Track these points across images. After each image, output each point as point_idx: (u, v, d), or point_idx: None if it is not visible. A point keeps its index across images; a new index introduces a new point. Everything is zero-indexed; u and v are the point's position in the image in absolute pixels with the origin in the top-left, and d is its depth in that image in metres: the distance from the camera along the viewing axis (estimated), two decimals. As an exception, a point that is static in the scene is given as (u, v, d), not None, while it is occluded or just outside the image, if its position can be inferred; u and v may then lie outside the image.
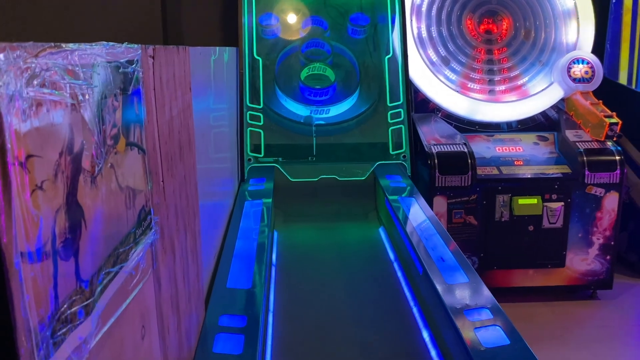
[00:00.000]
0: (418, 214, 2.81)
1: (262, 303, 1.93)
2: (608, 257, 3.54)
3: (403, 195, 3.06)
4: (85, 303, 0.75)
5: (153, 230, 1.12)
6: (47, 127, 0.66)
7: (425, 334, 2.07)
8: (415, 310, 2.24)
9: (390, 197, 3.01)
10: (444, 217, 3.41)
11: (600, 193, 3.44)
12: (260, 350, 1.65)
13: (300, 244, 2.96)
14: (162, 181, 1.25)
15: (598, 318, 3.50)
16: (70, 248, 0.72)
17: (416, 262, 2.34)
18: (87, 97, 0.77)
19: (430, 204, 3.29)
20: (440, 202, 3.41)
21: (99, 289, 0.80)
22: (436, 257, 2.28)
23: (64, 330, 0.69)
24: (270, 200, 2.97)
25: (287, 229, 3.12)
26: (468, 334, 1.71)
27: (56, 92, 0.68)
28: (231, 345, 1.64)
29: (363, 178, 3.40)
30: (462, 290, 1.99)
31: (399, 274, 2.59)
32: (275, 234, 3.01)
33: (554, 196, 3.44)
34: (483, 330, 1.73)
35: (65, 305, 0.70)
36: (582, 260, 3.55)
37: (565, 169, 3.51)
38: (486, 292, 1.98)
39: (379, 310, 2.29)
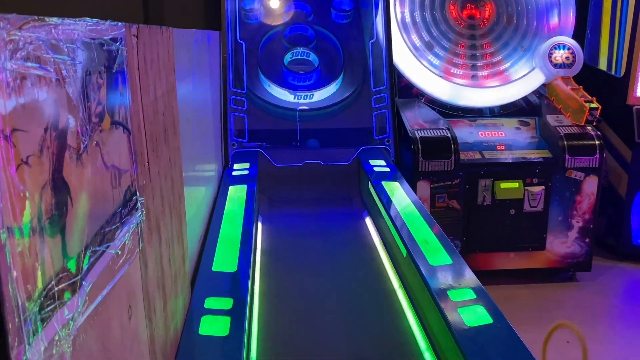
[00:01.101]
0: (402, 198, 2.83)
1: (248, 286, 1.94)
2: (587, 240, 3.61)
3: (387, 180, 3.08)
4: (72, 281, 0.75)
5: (139, 211, 1.11)
6: (31, 102, 0.65)
7: (410, 315, 2.10)
8: (399, 292, 2.27)
9: (374, 182, 3.02)
10: (427, 202, 3.44)
11: (580, 177, 3.50)
12: (246, 332, 1.66)
13: (285, 229, 2.97)
14: (148, 162, 1.24)
15: (577, 299, 3.58)
16: (57, 225, 0.71)
17: (400, 245, 2.36)
18: (71, 72, 0.76)
19: (414, 188, 3.31)
20: (424, 186, 3.44)
21: (85, 267, 0.80)
22: (420, 240, 2.31)
23: (51, 307, 0.69)
24: (254, 185, 2.96)
25: (271, 213, 3.12)
26: (451, 313, 1.74)
27: (40, 67, 0.67)
28: (217, 327, 1.64)
29: (347, 163, 3.41)
30: (446, 272, 2.02)
31: (383, 257, 2.61)
32: (260, 218, 3.01)
33: (535, 180, 3.49)
34: (466, 310, 1.76)
35: (52, 282, 0.69)
36: (562, 243, 3.61)
37: (546, 154, 3.56)
38: (469, 273, 2.01)
39: (363, 293, 2.31)
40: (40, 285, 0.66)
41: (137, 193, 1.11)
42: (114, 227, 0.95)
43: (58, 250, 0.71)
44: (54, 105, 0.71)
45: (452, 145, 3.41)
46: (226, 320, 1.67)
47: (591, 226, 3.60)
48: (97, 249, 0.85)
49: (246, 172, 3.14)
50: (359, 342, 1.96)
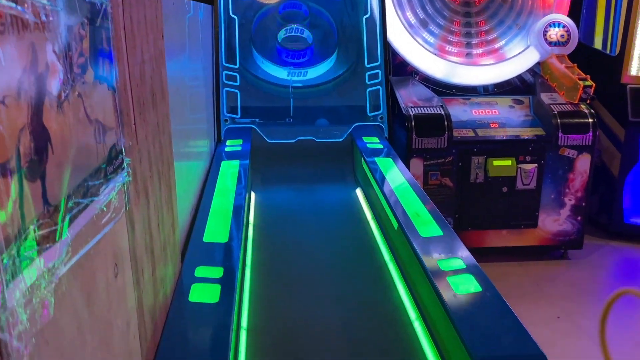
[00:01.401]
0: (395, 174, 2.83)
1: (239, 256, 1.94)
2: (579, 218, 3.63)
3: (380, 157, 3.08)
4: (54, 228, 0.75)
5: (125, 170, 1.10)
6: (7, 41, 0.64)
7: (400, 286, 2.11)
8: (390, 264, 2.28)
9: (368, 159, 3.02)
10: (420, 179, 3.44)
11: (573, 155, 3.50)
12: (236, 300, 1.66)
13: (278, 205, 2.97)
14: (134, 124, 1.23)
15: (568, 277, 3.61)
16: (37, 170, 0.70)
17: (391, 218, 2.36)
18: (50, 18, 0.75)
19: (407, 166, 3.31)
20: (417, 164, 3.44)
21: (68, 216, 0.80)
22: (411, 213, 2.31)
23: (31, 250, 0.68)
24: (247, 161, 2.96)
25: (264, 190, 3.12)
26: (441, 282, 1.75)
27: (17, 7, 0.66)
28: (208, 294, 1.64)
29: (340, 140, 3.40)
30: (436, 243, 2.02)
31: (375, 231, 2.62)
32: (253, 194, 3.01)
33: (528, 158, 3.49)
34: (456, 278, 1.76)
35: (32, 227, 0.69)
36: (554, 221, 3.63)
37: (540, 132, 3.56)
38: (459, 244, 2.01)
39: (354, 265, 2.32)
40: (19, 226, 0.65)
41: (123, 153, 1.11)
42: (98, 182, 0.94)
43: (38, 195, 0.71)
44: (31, 48, 0.70)
45: (446, 123, 3.41)
46: (216, 288, 1.67)
47: (583, 204, 3.61)
48: (80, 201, 0.85)
49: (239, 148, 3.14)
50: (349, 312, 1.97)
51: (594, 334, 3.02)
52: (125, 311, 1.11)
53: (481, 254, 3.44)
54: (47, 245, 0.72)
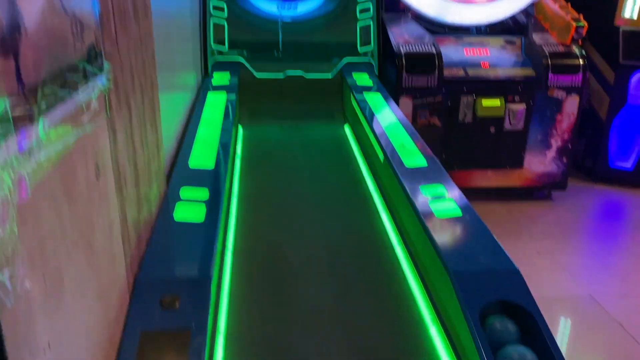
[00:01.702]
0: (384, 110, 2.82)
1: (225, 180, 1.95)
2: (564, 160, 3.67)
3: (370, 93, 3.06)
4: (29, 109, 0.75)
5: (105, 74, 1.09)
6: None
7: (384, 215, 2.14)
8: (374, 195, 2.30)
9: (357, 95, 3.01)
10: (409, 119, 3.43)
11: (561, 96, 3.50)
12: (221, 220, 1.69)
13: (266, 139, 2.96)
14: (115, 31, 1.21)
15: (551, 217, 3.68)
16: (9, 47, 0.70)
17: (378, 150, 2.38)
18: None
19: (396, 104, 3.30)
20: (406, 102, 3.42)
21: (44, 102, 0.79)
22: (397, 145, 2.32)
23: (6, 126, 0.68)
24: (234, 95, 2.93)
25: (252, 125, 3.10)
26: (423, 207, 1.78)
27: None
28: (193, 214, 1.66)
29: (330, 76, 3.37)
30: (420, 173, 2.04)
31: (362, 166, 2.63)
32: (240, 129, 3.00)
33: (517, 98, 3.49)
34: (438, 204, 1.80)
35: (6, 105, 0.69)
36: (539, 163, 3.66)
37: (530, 72, 3.54)
38: (444, 173, 2.04)
39: (339, 196, 2.34)
40: (-8, 99, 0.65)
41: (103, 56, 1.09)
42: (76, 77, 0.93)
43: (11, 71, 0.70)
44: None
45: (437, 62, 3.38)
46: (201, 209, 1.69)
47: (569, 146, 3.64)
48: (58, 90, 0.84)
49: (226, 82, 3.10)
50: (333, 237, 2.00)
51: (572, 269, 3.12)
52: (108, 214, 1.13)
53: (466, 194, 3.48)
54: (22, 124, 0.72)
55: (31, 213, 0.76)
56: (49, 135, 0.81)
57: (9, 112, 0.69)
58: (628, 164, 4.03)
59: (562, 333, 2.70)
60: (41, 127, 0.78)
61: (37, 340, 0.77)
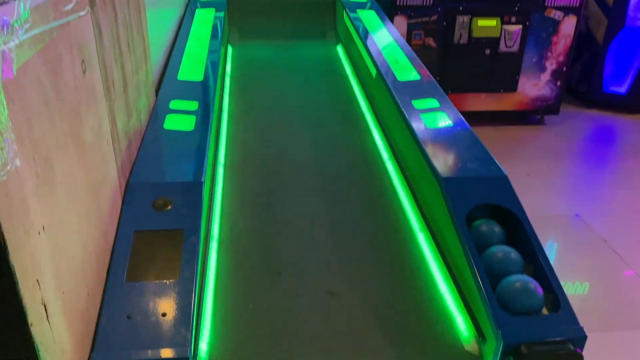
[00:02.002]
0: (378, 28, 2.76)
1: (215, 92, 1.93)
2: (558, 83, 3.64)
3: (364, 11, 2.98)
4: (9, -16, 0.72)
5: (86, -35, 1.05)
6: None
7: (375, 131, 2.14)
8: (367, 113, 2.29)
9: (351, 14, 2.93)
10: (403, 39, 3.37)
11: (558, 17, 3.43)
12: (212, 130, 1.68)
13: (256, 59, 2.91)
14: None
15: (542, 140, 3.70)
16: None
17: (370, 66, 2.35)
18: None
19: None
20: (401, 22, 3.35)
21: (23, -20, 0.77)
22: (391, 60, 2.29)
23: (-15, -3, 0.67)
24: (222, 13, 2.85)
25: (242, 44, 3.04)
26: (414, 118, 1.78)
27: None
28: (183, 123, 1.66)
29: (322, -6, 3.27)
30: (413, 86, 2.03)
31: (355, 85, 2.60)
32: (230, 48, 2.94)
33: (513, 19, 3.41)
34: (429, 115, 1.79)
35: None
36: (533, 86, 3.64)
37: (528, -9, 3.45)
38: (437, 87, 2.02)
39: (331, 114, 2.33)
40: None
41: (84, -55, 1.05)
42: (56, -39, 0.90)
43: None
44: None
45: (432, -21, 3.28)
46: (191, 119, 1.69)
47: (564, 69, 3.61)
48: (36, -30, 0.82)
49: (215, -2, 3.00)
50: (324, 152, 2.01)
51: (561, 190, 3.17)
52: (97, 112, 1.12)
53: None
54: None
55: (17, 93, 0.75)
56: (31, 15, 0.79)
57: (-13, -18, 0.67)
58: (622, 89, 4.01)
59: (549, 249, 2.78)
60: (22, 5, 0.76)
61: (32, 222, 0.79)
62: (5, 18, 0.71)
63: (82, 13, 1.04)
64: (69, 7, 0.96)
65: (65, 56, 0.95)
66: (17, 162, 0.74)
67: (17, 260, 0.73)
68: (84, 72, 1.04)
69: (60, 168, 0.91)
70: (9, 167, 0.71)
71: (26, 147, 0.78)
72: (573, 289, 2.53)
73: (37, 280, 0.80)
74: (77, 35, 1.01)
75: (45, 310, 0.82)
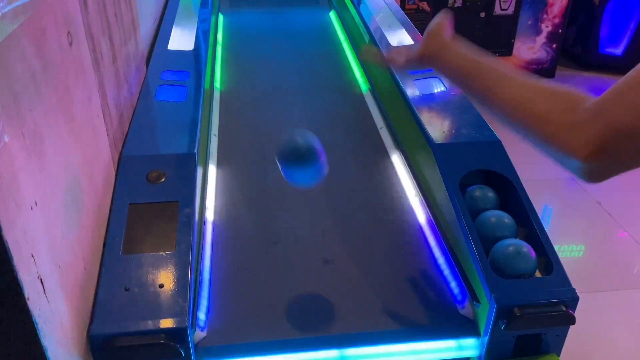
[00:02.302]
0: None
1: (206, 63, 1.91)
2: (554, 46, 3.61)
3: (356, -24, 2.93)
4: (-13, -46, 0.70)
5: None
6: None
7: (369, 99, 2.12)
8: (360, 80, 2.27)
9: (342, -22, 2.88)
10: (397, 3, 3.31)
11: (554, -23, 3.38)
12: (202, 100, 1.67)
13: (248, 27, 2.87)
14: None
15: (537, 105, 3.68)
16: None
17: (363, 32, 2.32)
18: None
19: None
20: (394, -14, 3.29)
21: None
22: (385, 27, 2.26)
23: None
24: (213, -21, 2.79)
25: (233, 12, 2.99)
26: (407, 84, 1.76)
27: None
28: (175, 94, 1.64)
29: (314, -41, 3.20)
30: (406, 50, 2.00)
31: (347, 51, 2.57)
32: (221, 16, 2.89)
33: (509, -20, 3.36)
34: (423, 81, 1.78)
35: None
36: (529, 49, 3.61)
37: (523, -49, 3.39)
38: (429, 52, 2.00)
39: (324, 81, 2.31)
40: None
41: None
42: None
43: None
44: None
45: (426, -59, 3.21)
46: (183, 90, 1.67)
47: (560, 31, 3.57)
48: (15, -60, 0.79)
49: (204, -35, 2.93)
50: (318, 120, 2.00)
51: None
52: (85, 86, 1.11)
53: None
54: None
55: (1, 68, 0.74)
56: (11, -13, 0.77)
57: (-36, -47, 0.65)
58: (618, 50, 3.97)
59: (544, 214, 2.80)
60: (2, -24, 0.74)
61: (23, 196, 0.79)
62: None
63: (66, -17, 1.01)
64: (52, -23, 0.94)
65: (50, 28, 0.93)
66: (6, 138, 0.74)
67: (10, 235, 0.73)
68: (70, 44, 1.03)
69: (51, 142, 0.90)
70: (-3, 143, 0.71)
71: (13, 123, 0.77)
72: (567, 252, 2.56)
73: (32, 255, 0.80)
74: (61, 6, 0.99)
75: (42, 284, 0.83)
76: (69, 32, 1.02)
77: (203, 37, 2.11)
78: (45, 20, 0.91)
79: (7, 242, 0.72)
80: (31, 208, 0.81)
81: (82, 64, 1.10)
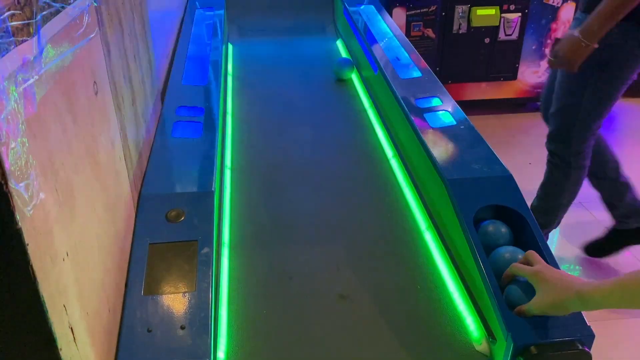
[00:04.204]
0: (378, 22, 2.76)
1: (219, 97, 1.95)
2: (558, 70, 3.64)
3: (363, 5, 2.99)
4: (27, 22, 0.74)
5: (94, -13, 1.07)
6: None
7: (378, 128, 2.15)
8: (369, 110, 2.31)
9: (350, 8, 2.93)
10: (403, 30, 3.37)
11: (557, 3, 3.43)
12: (219, 136, 1.70)
13: (257, 56, 2.91)
14: (99, -60, 1.16)
15: (543, 128, 3.70)
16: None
17: (372, 64, 2.36)
18: None
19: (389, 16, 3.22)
20: (399, 14, 3.35)
21: (40, 15, 0.78)
22: (392, 58, 2.30)
23: (6, 40, 0.68)
24: (222, 11, 2.85)
25: (241, 42, 3.04)
26: (418, 118, 1.79)
27: None
28: (190, 131, 1.68)
29: (320, -11, 3.27)
30: (415, 84, 2.04)
31: (356, 81, 2.61)
32: (230, 46, 2.94)
33: (512, 7, 3.41)
34: (432, 115, 1.81)
35: (4, 15, 0.68)
36: (533, 73, 3.65)
37: (526, -21, 3.45)
38: (438, 84, 2.04)
39: (333, 111, 2.34)
40: (-10, 10, 0.64)
41: (91, -33, 1.06)
42: (67, -11, 0.91)
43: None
44: None
45: (430, -30, 3.27)
46: (198, 126, 1.70)
47: (564, 55, 3.60)
48: (50, 2, 0.83)
49: (214, -4, 3.00)
50: (328, 152, 2.03)
51: (561, 177, 3.18)
52: (109, 131, 1.14)
53: (460, 107, 3.51)
54: (22, 37, 0.72)
55: (38, 127, 0.77)
56: (48, 48, 0.81)
57: (8, 23, 0.68)
58: (621, 73, 4.01)
59: (551, 237, 2.81)
60: (40, 40, 0.78)
61: (57, 250, 0.81)
62: (26, 56, 0.73)
63: (92, 35, 1.05)
64: (80, 32, 0.98)
65: (79, 81, 0.97)
66: (42, 195, 0.76)
67: (46, 289, 0.76)
68: (96, 93, 1.06)
69: (79, 191, 0.93)
70: (34, 202, 0.74)
71: (48, 179, 0.80)
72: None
73: (64, 306, 0.82)
74: (88, 58, 1.03)
75: (72, 333, 0.85)
76: (95, 81, 1.06)
77: (215, 69, 2.15)
78: (75, 74, 0.94)
79: (43, 296, 0.75)
80: (63, 260, 0.84)
81: (106, 111, 1.13)
